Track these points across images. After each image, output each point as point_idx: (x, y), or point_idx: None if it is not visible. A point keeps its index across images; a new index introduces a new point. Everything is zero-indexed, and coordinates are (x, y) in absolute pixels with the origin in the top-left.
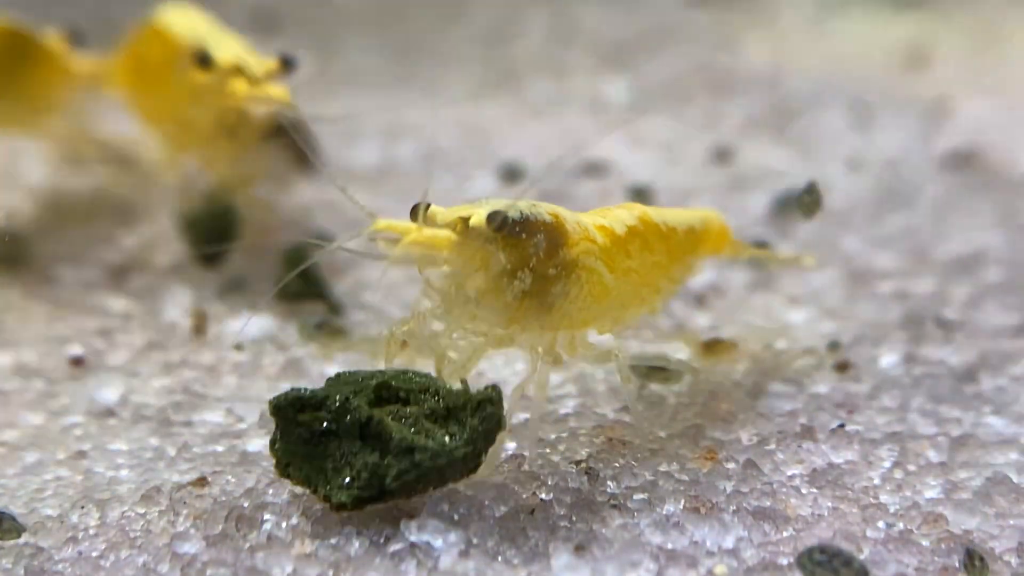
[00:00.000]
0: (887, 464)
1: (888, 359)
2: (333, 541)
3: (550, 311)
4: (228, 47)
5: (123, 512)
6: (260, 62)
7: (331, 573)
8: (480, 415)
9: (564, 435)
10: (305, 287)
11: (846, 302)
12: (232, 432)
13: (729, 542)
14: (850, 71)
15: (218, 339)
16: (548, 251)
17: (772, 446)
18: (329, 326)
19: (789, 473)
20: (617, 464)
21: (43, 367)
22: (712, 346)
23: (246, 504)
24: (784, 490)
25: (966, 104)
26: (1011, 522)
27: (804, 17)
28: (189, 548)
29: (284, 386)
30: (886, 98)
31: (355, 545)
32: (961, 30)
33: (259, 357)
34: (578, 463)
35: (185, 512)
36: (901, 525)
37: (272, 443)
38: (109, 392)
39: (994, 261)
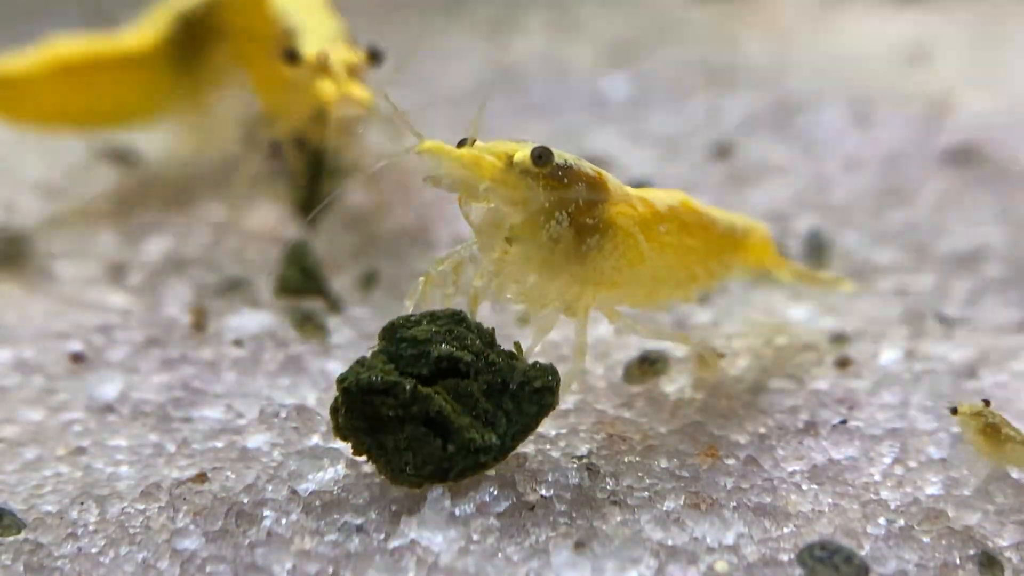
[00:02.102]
0: (888, 460)
1: (889, 355)
2: (333, 537)
3: (582, 262)
4: (319, 33)
5: (123, 508)
6: (346, 57)
7: (331, 569)
8: (539, 403)
9: (564, 431)
10: (304, 282)
11: (847, 298)
12: (232, 428)
13: (730, 538)
14: (851, 67)
15: (217, 335)
16: (587, 201)
17: (773, 442)
18: (313, 322)
19: (790, 469)
20: (617, 460)
21: (43, 363)
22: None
23: (246, 500)
24: (785, 486)
25: (967, 100)
26: (1011, 518)
27: (805, 13)
28: (189, 544)
29: (284, 382)
30: (887, 94)
31: (355, 541)
32: (962, 26)
33: (258, 353)
34: (578, 459)
35: (185, 508)
36: (902, 521)
37: (334, 410)
38: (109, 388)
39: (994, 257)
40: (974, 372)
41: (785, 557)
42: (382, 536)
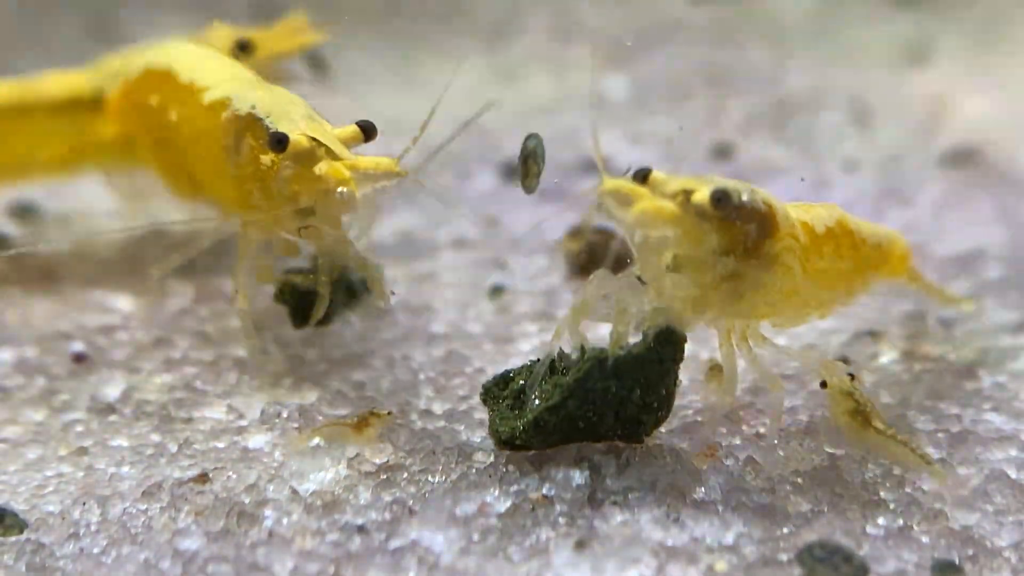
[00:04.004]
0: (887, 460)
1: (888, 356)
2: (334, 537)
3: (740, 300)
4: (287, 111)
5: (124, 508)
6: (337, 134)
7: (332, 569)
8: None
9: None
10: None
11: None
12: (233, 428)
13: (729, 538)
14: (850, 68)
15: (219, 334)
16: (756, 242)
17: (772, 442)
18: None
19: (789, 469)
20: (618, 460)
21: (45, 364)
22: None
23: (247, 500)
24: (784, 486)
25: (966, 101)
26: (1010, 518)
27: (804, 14)
28: (190, 544)
29: (285, 382)
30: (886, 95)
31: (356, 541)
32: (961, 27)
33: (260, 353)
34: (580, 460)
35: (186, 508)
36: (901, 521)
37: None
38: (111, 388)
39: (994, 258)
40: (973, 373)
41: (784, 557)
42: (383, 536)
